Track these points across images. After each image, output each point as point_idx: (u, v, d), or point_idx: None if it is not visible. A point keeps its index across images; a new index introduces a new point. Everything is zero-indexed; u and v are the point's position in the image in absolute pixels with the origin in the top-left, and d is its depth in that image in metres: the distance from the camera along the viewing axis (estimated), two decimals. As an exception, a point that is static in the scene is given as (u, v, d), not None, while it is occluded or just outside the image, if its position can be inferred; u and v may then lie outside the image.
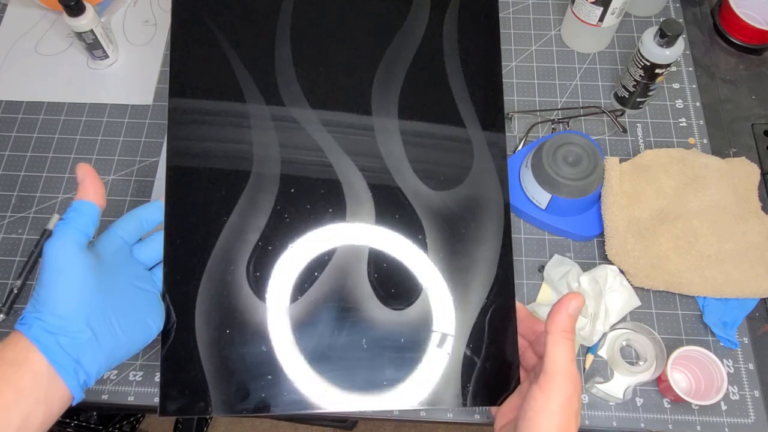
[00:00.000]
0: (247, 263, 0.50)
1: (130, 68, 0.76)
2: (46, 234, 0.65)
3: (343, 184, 0.52)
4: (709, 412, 0.57)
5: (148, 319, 0.46)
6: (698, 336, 0.60)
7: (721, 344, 0.59)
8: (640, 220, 0.62)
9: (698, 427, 0.56)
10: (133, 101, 0.74)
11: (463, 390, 0.49)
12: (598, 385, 0.57)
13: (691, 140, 0.70)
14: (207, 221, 0.51)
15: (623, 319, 0.60)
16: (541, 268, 0.63)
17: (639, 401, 0.57)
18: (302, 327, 0.49)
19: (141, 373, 0.59)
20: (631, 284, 0.61)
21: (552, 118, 0.71)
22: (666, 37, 0.61)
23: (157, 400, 0.58)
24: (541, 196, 0.62)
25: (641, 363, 0.58)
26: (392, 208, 0.52)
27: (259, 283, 0.50)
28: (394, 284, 0.50)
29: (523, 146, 0.69)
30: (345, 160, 0.52)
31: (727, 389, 0.57)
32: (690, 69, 0.74)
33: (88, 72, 0.76)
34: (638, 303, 0.60)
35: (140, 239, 0.50)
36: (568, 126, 0.70)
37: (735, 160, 0.65)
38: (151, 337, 0.47)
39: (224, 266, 0.50)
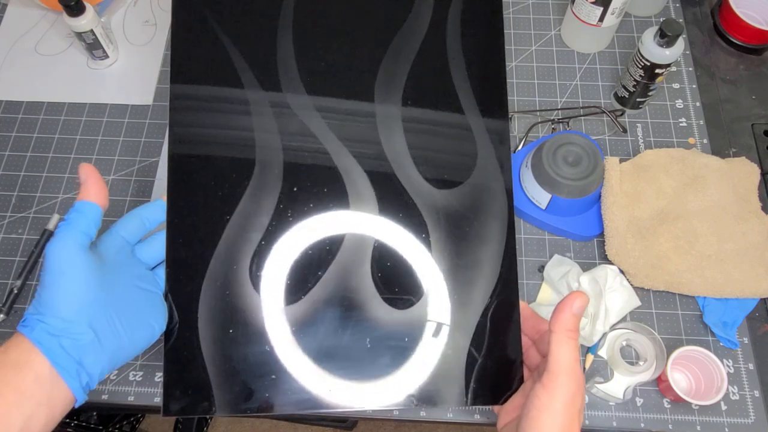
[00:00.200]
0: (250, 262, 0.50)
1: (130, 68, 0.76)
2: (46, 234, 0.65)
3: (347, 184, 0.52)
4: (709, 412, 0.57)
5: (151, 319, 0.46)
6: (698, 336, 0.60)
7: (721, 344, 0.59)
8: (640, 220, 0.62)
9: (698, 427, 0.56)
10: (133, 101, 0.74)
11: (467, 389, 0.49)
12: (598, 385, 0.57)
13: (691, 140, 0.70)
14: (209, 220, 0.50)
15: (623, 319, 0.60)
16: (541, 268, 0.63)
17: (639, 401, 0.57)
18: (305, 326, 0.49)
19: (141, 373, 0.59)
20: (631, 284, 0.61)
21: (552, 118, 0.71)
22: (666, 37, 0.61)
23: (157, 400, 0.58)
24: (541, 196, 0.62)
25: (641, 363, 0.58)
26: (396, 207, 0.52)
27: (262, 282, 0.50)
28: (397, 283, 0.50)
29: (523, 146, 0.69)
30: (349, 159, 0.52)
31: (727, 389, 0.57)
32: (690, 69, 0.75)
33: (88, 72, 0.76)
34: (638, 303, 0.60)
35: (142, 239, 0.50)
36: (568, 126, 0.70)
37: (735, 160, 0.65)
38: (154, 338, 0.47)
39: (227, 265, 0.50)
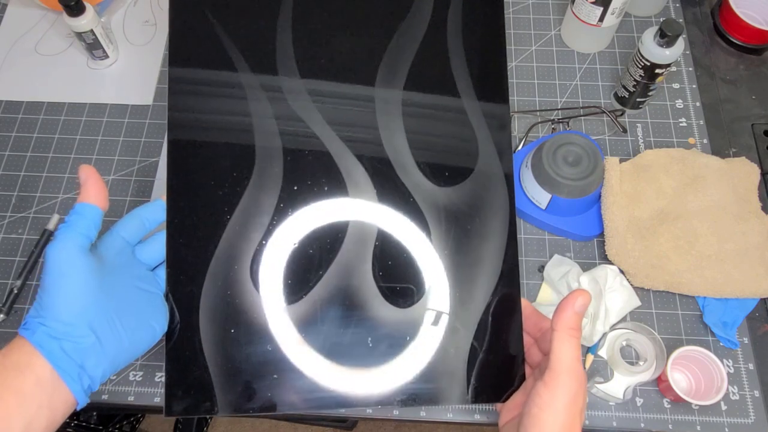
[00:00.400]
0: (250, 262, 0.50)
1: (130, 68, 0.76)
2: (46, 234, 0.65)
3: (347, 183, 0.52)
4: (709, 412, 0.57)
5: (152, 321, 0.46)
6: (698, 336, 0.60)
7: (721, 344, 0.59)
8: (640, 220, 0.62)
9: (698, 427, 0.56)
10: (133, 101, 0.74)
11: (468, 387, 0.49)
12: (598, 385, 0.57)
13: (691, 140, 0.70)
14: (209, 220, 0.50)
15: (623, 319, 0.60)
16: (541, 268, 0.63)
17: (639, 401, 0.57)
18: (307, 326, 0.49)
19: (141, 373, 0.59)
20: (631, 284, 0.61)
21: (552, 118, 0.71)
22: (666, 37, 0.61)
23: (157, 399, 0.58)
24: (541, 196, 0.62)
25: (641, 363, 0.58)
26: (397, 205, 0.51)
27: (263, 281, 0.50)
28: (398, 281, 0.50)
29: (523, 146, 0.69)
30: (351, 158, 0.52)
31: (727, 389, 0.57)
32: (690, 69, 0.75)
33: (88, 72, 0.76)
34: (638, 303, 0.60)
35: (142, 239, 0.50)
36: (568, 126, 0.70)
37: (735, 160, 0.65)
38: (155, 340, 0.47)
39: (228, 265, 0.50)
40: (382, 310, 0.50)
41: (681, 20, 0.78)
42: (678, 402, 0.57)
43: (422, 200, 0.52)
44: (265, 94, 0.52)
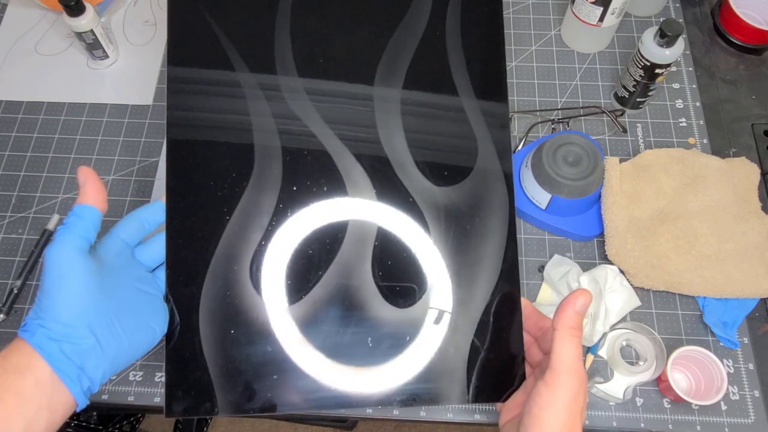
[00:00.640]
0: (250, 263, 0.50)
1: (130, 68, 0.76)
2: (46, 234, 0.65)
3: (347, 184, 0.52)
4: (709, 412, 0.57)
5: (152, 322, 0.46)
6: (698, 336, 0.60)
7: (721, 344, 0.59)
8: (640, 220, 0.62)
9: (698, 427, 0.56)
10: (133, 101, 0.74)
11: (468, 386, 0.49)
12: (598, 385, 0.57)
13: (691, 140, 0.70)
14: (209, 220, 0.50)
15: (623, 319, 0.60)
16: (541, 268, 0.63)
17: (639, 401, 0.57)
18: (307, 326, 0.49)
19: (141, 373, 0.59)
20: (631, 284, 0.61)
21: (552, 118, 0.71)
22: (666, 37, 0.61)
23: (157, 399, 0.58)
24: (541, 196, 0.62)
25: (641, 363, 0.58)
26: (396, 205, 0.51)
27: (262, 282, 0.50)
28: (398, 281, 0.50)
29: (523, 146, 0.69)
30: (348, 156, 0.52)
31: (727, 389, 0.57)
32: (690, 69, 0.75)
33: (88, 72, 0.76)
34: (638, 303, 0.60)
35: (142, 240, 0.50)
36: (568, 126, 0.70)
37: (735, 160, 0.65)
38: (155, 341, 0.47)
39: (227, 266, 0.50)
40: (382, 309, 0.50)
41: (681, 20, 0.78)
42: (678, 402, 0.57)
43: (421, 200, 0.52)
44: (263, 93, 0.52)
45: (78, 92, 0.74)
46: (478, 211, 0.52)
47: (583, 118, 0.71)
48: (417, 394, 0.49)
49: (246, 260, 0.50)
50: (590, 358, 0.59)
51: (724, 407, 0.57)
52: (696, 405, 0.57)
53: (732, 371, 0.58)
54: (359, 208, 0.51)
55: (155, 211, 0.50)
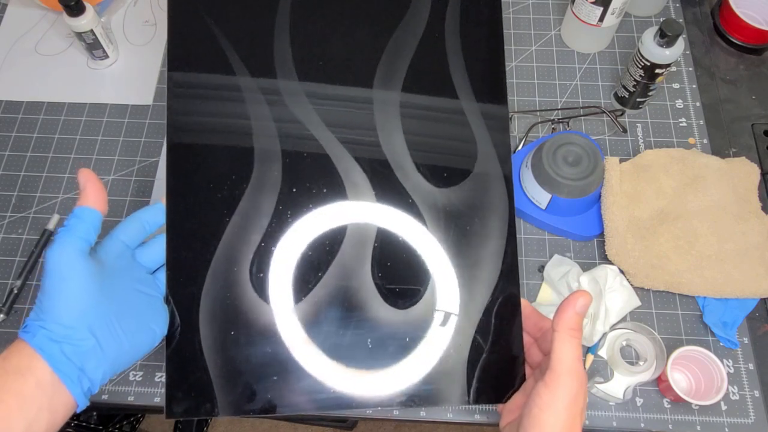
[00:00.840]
0: (250, 264, 0.50)
1: (130, 68, 0.76)
2: (46, 234, 0.65)
3: (346, 185, 0.52)
4: (709, 412, 0.57)
5: (152, 324, 0.46)
6: (698, 336, 0.60)
7: (721, 344, 0.59)
8: (640, 220, 0.62)
9: (698, 427, 0.56)
10: (133, 101, 0.74)
11: (469, 387, 0.49)
12: (598, 385, 0.57)
13: (691, 140, 0.70)
14: (209, 222, 0.50)
15: (623, 319, 0.60)
16: (541, 268, 0.63)
17: (639, 401, 0.57)
18: (307, 328, 0.49)
19: (141, 373, 0.59)
20: (631, 284, 0.61)
21: (552, 118, 0.71)
22: (666, 37, 0.61)
23: (157, 399, 0.58)
24: (541, 196, 0.62)
25: (641, 363, 0.58)
26: (396, 206, 0.51)
27: (262, 283, 0.50)
28: (398, 282, 0.50)
29: (523, 146, 0.69)
30: (349, 158, 0.52)
31: (727, 389, 0.57)
32: (690, 69, 0.75)
33: (88, 72, 0.76)
34: (638, 303, 0.60)
35: (142, 242, 0.50)
36: (568, 126, 0.70)
37: (735, 160, 0.65)
38: (155, 343, 0.47)
39: (227, 267, 0.50)
40: (382, 311, 0.50)
41: (681, 20, 0.78)
42: (678, 402, 0.57)
43: (421, 201, 0.52)
44: (263, 96, 0.52)
45: (78, 92, 0.74)
46: (478, 212, 0.52)
47: (583, 118, 0.71)
48: (417, 395, 0.49)
49: (246, 262, 0.50)
50: (590, 358, 0.59)
51: (724, 407, 0.57)
52: (696, 405, 0.57)
53: (732, 371, 0.58)
54: (358, 210, 0.51)
55: (155, 213, 0.50)
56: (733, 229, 0.61)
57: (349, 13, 0.55)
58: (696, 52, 0.76)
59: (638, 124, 0.71)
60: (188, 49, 0.53)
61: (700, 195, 0.62)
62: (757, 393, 0.57)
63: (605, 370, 0.58)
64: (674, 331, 0.60)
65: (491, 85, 0.54)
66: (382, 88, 0.53)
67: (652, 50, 0.63)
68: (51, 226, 0.65)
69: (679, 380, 0.58)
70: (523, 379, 0.50)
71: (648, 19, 0.79)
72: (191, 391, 0.48)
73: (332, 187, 0.51)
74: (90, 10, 0.69)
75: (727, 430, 0.56)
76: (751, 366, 0.58)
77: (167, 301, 0.49)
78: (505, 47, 0.76)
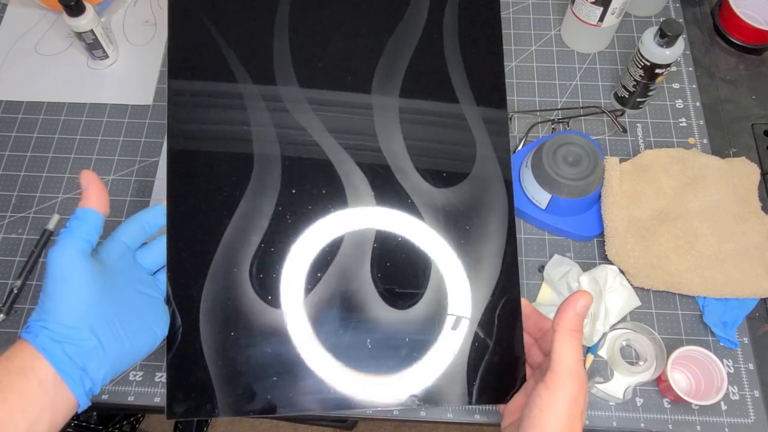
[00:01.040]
0: (250, 265, 0.50)
1: (130, 68, 0.76)
2: (47, 234, 0.65)
3: (346, 186, 0.52)
4: (709, 412, 0.57)
5: (153, 324, 0.46)
6: (698, 336, 0.60)
7: (721, 344, 0.59)
8: (640, 220, 0.62)
9: (698, 427, 0.56)
10: (133, 101, 0.74)
11: (469, 388, 0.49)
12: (598, 385, 0.57)
13: (691, 140, 0.70)
14: (209, 223, 0.50)
15: (623, 319, 0.60)
16: (541, 268, 0.63)
17: (639, 401, 0.57)
18: (307, 328, 0.49)
19: (141, 373, 0.59)
20: (631, 284, 0.61)
21: (552, 118, 0.71)
22: (666, 37, 0.61)
23: (157, 399, 0.58)
24: (541, 196, 0.62)
25: (641, 363, 0.58)
26: (396, 207, 0.51)
27: (262, 285, 0.50)
28: (397, 283, 0.50)
29: (523, 146, 0.69)
30: (349, 162, 0.52)
31: (727, 389, 0.57)
32: (690, 69, 0.75)
33: (88, 72, 0.76)
34: (638, 303, 0.60)
35: (143, 243, 0.50)
36: (568, 126, 0.70)
37: (735, 160, 0.65)
38: (156, 343, 0.47)
39: (227, 268, 0.50)
40: (381, 311, 0.50)
41: (681, 20, 0.78)
42: (678, 402, 0.57)
43: (421, 202, 0.52)
44: (264, 103, 0.52)
45: (78, 92, 0.74)
46: (478, 213, 0.52)
47: (583, 118, 0.71)
48: (418, 396, 0.49)
49: (246, 263, 0.50)
50: (590, 358, 0.59)
51: (724, 407, 0.57)
52: (696, 405, 0.57)
53: (732, 371, 0.58)
54: (358, 211, 0.51)
55: (156, 214, 0.50)
56: (733, 229, 0.61)
57: (347, 17, 0.55)
58: (696, 52, 0.76)
59: (638, 124, 0.71)
60: (189, 55, 0.53)
61: (700, 195, 0.62)
62: (757, 393, 0.57)
63: (605, 370, 0.58)
64: (674, 331, 0.60)
65: (491, 87, 0.54)
66: (380, 93, 0.53)
67: (652, 50, 0.63)
68: (51, 226, 0.65)
69: (679, 380, 0.58)
70: (524, 379, 0.50)
71: (648, 19, 0.79)
72: (192, 392, 0.48)
73: (332, 189, 0.51)
74: (90, 10, 0.69)
75: (727, 430, 0.56)
76: (751, 366, 0.58)
77: (168, 302, 0.49)
78: (505, 47, 0.76)
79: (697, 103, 0.72)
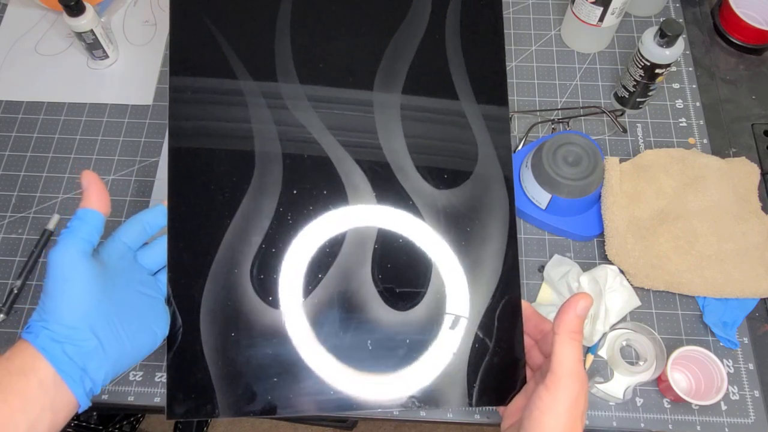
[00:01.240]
0: (250, 266, 0.50)
1: (130, 68, 0.76)
2: (47, 234, 0.65)
3: (347, 186, 0.52)
4: (709, 412, 0.57)
5: (153, 325, 0.46)
6: (698, 336, 0.60)
7: (721, 344, 0.59)
8: (640, 220, 0.62)
9: (698, 427, 0.56)
10: (133, 101, 0.74)
11: (470, 389, 0.49)
12: (598, 385, 0.57)
13: (691, 140, 0.70)
14: (210, 224, 0.50)
15: (623, 319, 0.60)
16: (541, 268, 0.63)
17: (639, 401, 0.57)
18: (307, 329, 0.49)
19: (141, 373, 0.59)
20: (631, 284, 0.61)
21: (552, 118, 0.71)
22: (666, 37, 0.61)
23: (157, 399, 0.58)
24: (541, 196, 0.62)
25: (641, 363, 0.58)
26: (396, 208, 0.51)
27: (262, 285, 0.50)
28: (398, 284, 0.50)
29: (523, 146, 0.69)
30: (349, 161, 0.52)
31: (727, 389, 0.57)
32: (690, 69, 0.75)
33: (88, 72, 0.76)
34: (638, 303, 0.60)
35: (144, 244, 0.50)
36: (568, 126, 0.70)
37: (735, 160, 0.65)
38: (157, 344, 0.47)
39: (228, 269, 0.50)
40: (382, 312, 0.50)
41: (681, 20, 0.78)
42: (678, 402, 0.57)
43: (421, 203, 0.52)
44: (265, 100, 0.52)
45: (78, 92, 0.74)
46: (479, 214, 0.52)
47: (583, 118, 0.71)
48: (418, 397, 0.49)
49: (246, 263, 0.50)
50: (590, 358, 0.59)
51: (724, 407, 0.57)
52: (696, 405, 0.57)
53: (732, 371, 0.58)
54: (359, 211, 0.51)
55: (157, 214, 0.50)
56: (733, 229, 0.61)
57: (349, 15, 0.55)
58: (696, 52, 0.76)
59: (638, 124, 0.71)
60: (190, 53, 0.53)
61: (700, 195, 0.62)
62: (757, 393, 0.57)
63: (605, 370, 0.58)
64: (674, 331, 0.60)
65: (492, 86, 0.54)
66: (382, 91, 0.53)
67: (652, 50, 0.63)
68: (51, 226, 0.65)
69: (679, 380, 0.58)
70: (524, 381, 0.50)
71: (648, 19, 0.79)
72: (192, 392, 0.48)
73: (333, 189, 0.51)
74: (90, 10, 0.69)
75: (727, 430, 0.56)
76: (751, 366, 0.58)
77: (168, 303, 0.49)
78: (506, 47, 0.76)
79: (697, 103, 0.72)
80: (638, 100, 0.69)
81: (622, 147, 0.70)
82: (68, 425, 1.01)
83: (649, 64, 0.64)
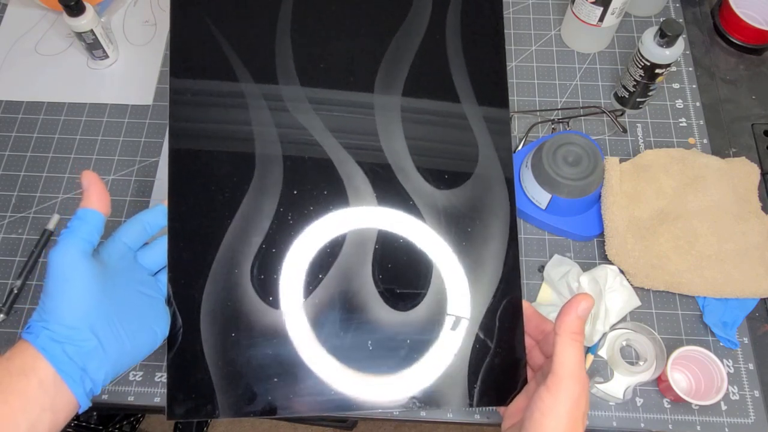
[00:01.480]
0: (251, 266, 0.50)
1: (130, 68, 0.76)
2: (47, 234, 0.65)
3: (347, 187, 0.52)
4: (709, 412, 0.57)
5: (154, 325, 0.46)
6: (698, 336, 0.60)
7: (721, 344, 0.59)
8: (640, 220, 0.62)
9: (698, 427, 0.56)
10: (133, 101, 0.74)
11: (470, 390, 0.49)
12: (598, 385, 0.57)
13: (691, 140, 0.70)
14: (210, 224, 0.50)
15: (623, 319, 0.60)
16: (541, 268, 0.63)
17: (639, 401, 0.57)
18: (308, 329, 0.49)
19: (141, 373, 0.59)
20: (631, 284, 0.61)
21: (552, 118, 0.71)
22: (666, 37, 0.61)
23: (157, 399, 0.58)
24: (541, 196, 0.62)
25: (641, 363, 0.58)
26: (397, 208, 0.51)
27: (263, 285, 0.50)
28: (399, 284, 0.50)
29: (523, 146, 0.69)
30: (350, 162, 0.52)
31: (727, 389, 0.57)
32: (690, 69, 0.75)
33: (88, 72, 0.76)
34: (638, 303, 0.60)
35: (144, 244, 0.50)
36: (568, 126, 0.70)
37: (735, 160, 0.65)
38: (157, 344, 0.47)
39: (228, 269, 0.50)
40: (382, 313, 0.50)
41: (681, 20, 0.78)
42: (678, 402, 0.57)
43: (422, 203, 0.52)
44: (266, 102, 0.52)
45: (78, 92, 0.74)
46: (479, 215, 0.52)
47: (583, 118, 0.71)
48: (419, 398, 0.49)
49: (247, 264, 0.50)
50: (590, 358, 0.59)
51: (724, 407, 0.57)
52: (696, 405, 0.57)
53: (732, 371, 0.58)
54: (359, 212, 0.51)
55: (157, 214, 0.50)
56: (733, 229, 0.61)
57: (350, 16, 0.55)
58: (696, 52, 0.76)
59: (638, 124, 0.71)
60: (190, 54, 0.53)
61: (700, 195, 0.62)
62: (757, 393, 0.57)
63: (605, 370, 0.58)
64: (674, 331, 0.60)
65: (493, 87, 0.54)
66: (383, 92, 0.53)
67: (652, 50, 0.63)
68: (51, 226, 0.65)
69: (679, 380, 0.58)
70: (525, 381, 0.50)
71: (648, 19, 0.79)
72: (192, 393, 0.48)
73: (334, 190, 0.51)
74: (90, 10, 0.69)
75: (727, 430, 0.56)
76: (751, 366, 0.59)
77: (169, 303, 0.49)
78: (506, 47, 0.76)
79: (697, 103, 0.72)
80: (638, 100, 0.69)
81: (622, 147, 0.70)
82: (68, 425, 1.01)
83: (649, 64, 0.64)
